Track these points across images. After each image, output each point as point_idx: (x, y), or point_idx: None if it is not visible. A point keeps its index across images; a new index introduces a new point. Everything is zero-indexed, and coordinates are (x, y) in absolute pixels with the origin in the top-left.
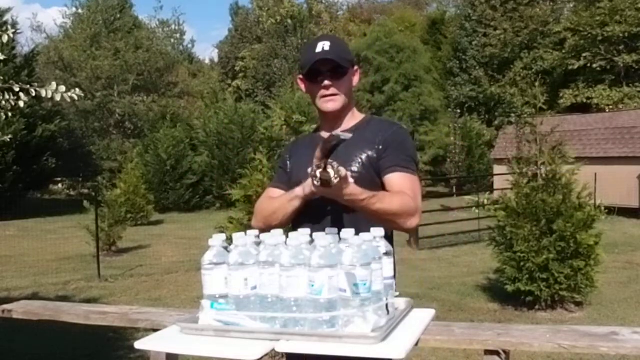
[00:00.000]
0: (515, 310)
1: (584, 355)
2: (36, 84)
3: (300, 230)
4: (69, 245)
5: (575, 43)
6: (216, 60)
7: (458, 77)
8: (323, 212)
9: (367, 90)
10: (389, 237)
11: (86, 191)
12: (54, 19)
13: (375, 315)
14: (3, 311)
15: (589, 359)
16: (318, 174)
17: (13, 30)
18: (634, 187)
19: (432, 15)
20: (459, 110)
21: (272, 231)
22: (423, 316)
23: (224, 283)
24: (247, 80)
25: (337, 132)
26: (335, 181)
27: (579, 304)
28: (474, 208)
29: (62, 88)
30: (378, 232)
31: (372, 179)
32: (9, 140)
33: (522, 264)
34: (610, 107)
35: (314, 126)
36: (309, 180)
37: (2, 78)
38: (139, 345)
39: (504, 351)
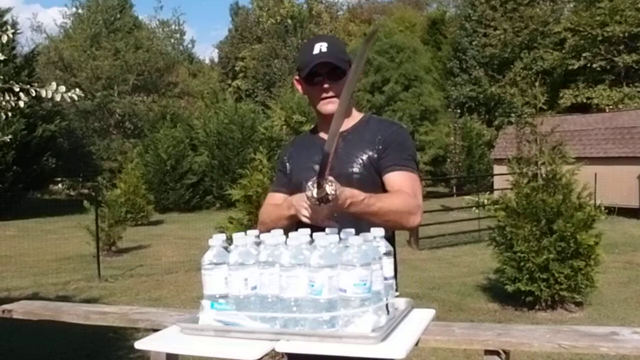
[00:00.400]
0: (515, 310)
1: (584, 355)
2: (36, 84)
3: (300, 230)
4: (69, 245)
5: (575, 43)
6: (216, 60)
7: (458, 77)
8: None
9: (367, 90)
10: (390, 238)
11: (86, 191)
12: (54, 19)
13: (375, 315)
14: (3, 311)
15: (589, 359)
16: (315, 195)
17: (13, 31)
18: (634, 187)
19: (432, 15)
20: (459, 110)
21: (272, 231)
22: (423, 316)
23: (224, 283)
24: (247, 80)
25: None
26: (333, 192)
27: (579, 304)
28: (474, 208)
29: (62, 88)
30: (378, 232)
31: (373, 179)
32: (9, 140)
33: (522, 264)
34: (610, 107)
35: (314, 126)
36: (301, 198)
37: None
38: (139, 345)
39: (504, 351)
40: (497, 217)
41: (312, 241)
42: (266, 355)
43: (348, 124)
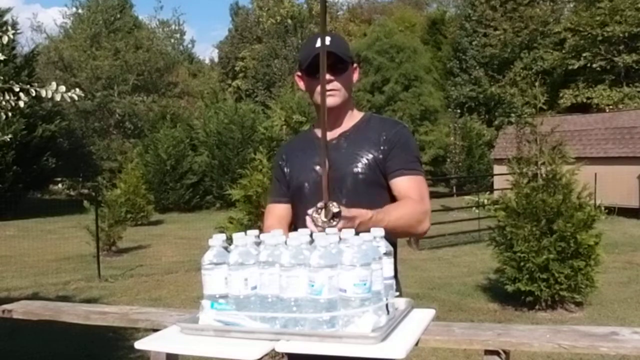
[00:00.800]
0: (515, 310)
1: (584, 355)
2: (36, 84)
3: (300, 230)
4: (69, 245)
5: (575, 43)
6: (216, 60)
7: (458, 77)
8: None
9: (367, 90)
10: (390, 238)
11: (86, 191)
12: (54, 19)
13: (375, 315)
14: (3, 311)
15: (589, 359)
16: (324, 218)
17: (13, 31)
18: (634, 187)
19: (432, 15)
20: (459, 110)
21: (272, 231)
22: (423, 316)
23: (224, 283)
24: (247, 80)
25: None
26: (338, 208)
27: (579, 304)
28: (474, 208)
29: (62, 88)
30: (378, 232)
31: (378, 179)
32: (9, 140)
33: (522, 264)
34: (610, 107)
35: (307, 129)
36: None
37: (2, 78)
38: (139, 345)
39: (504, 351)
40: (497, 217)
41: (312, 241)
42: (266, 355)
43: (349, 123)
